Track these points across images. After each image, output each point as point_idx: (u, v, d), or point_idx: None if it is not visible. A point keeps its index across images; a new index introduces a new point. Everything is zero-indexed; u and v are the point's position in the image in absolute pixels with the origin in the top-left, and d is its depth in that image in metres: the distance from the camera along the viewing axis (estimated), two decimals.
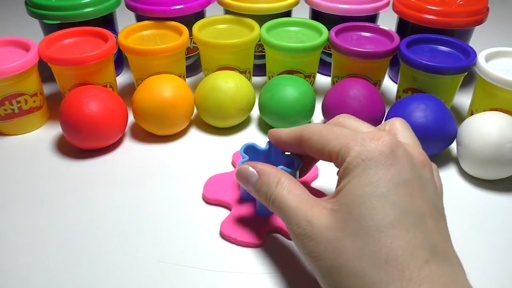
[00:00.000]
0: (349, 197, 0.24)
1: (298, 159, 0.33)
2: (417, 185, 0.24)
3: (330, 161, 0.27)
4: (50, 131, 0.47)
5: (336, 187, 0.26)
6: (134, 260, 0.32)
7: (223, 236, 0.34)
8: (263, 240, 0.33)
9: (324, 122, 0.48)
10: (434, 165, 0.28)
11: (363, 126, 0.29)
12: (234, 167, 0.41)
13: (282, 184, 0.28)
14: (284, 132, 0.31)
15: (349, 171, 0.25)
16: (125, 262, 0.32)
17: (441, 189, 0.28)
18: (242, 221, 0.35)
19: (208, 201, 0.37)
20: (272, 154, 0.35)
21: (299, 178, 0.36)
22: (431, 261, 0.22)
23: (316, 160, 0.35)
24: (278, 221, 0.34)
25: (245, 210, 0.35)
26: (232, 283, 0.31)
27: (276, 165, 0.33)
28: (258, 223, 0.34)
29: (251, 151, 0.35)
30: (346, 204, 0.24)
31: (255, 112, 0.49)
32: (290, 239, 0.34)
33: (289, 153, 0.34)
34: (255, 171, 0.30)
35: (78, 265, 0.32)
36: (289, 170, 0.32)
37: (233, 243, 0.34)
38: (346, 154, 0.25)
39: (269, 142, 0.35)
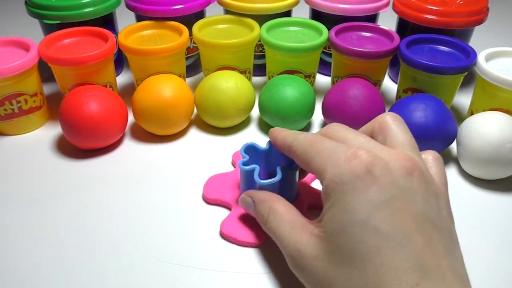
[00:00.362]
0: (331, 225, 0.24)
1: None
2: (400, 202, 0.23)
3: (316, 177, 0.27)
4: (50, 131, 0.47)
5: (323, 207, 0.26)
6: (134, 260, 0.32)
7: (223, 236, 0.34)
8: (263, 240, 0.33)
9: (324, 122, 0.48)
10: (434, 154, 0.28)
11: (350, 136, 0.27)
12: (234, 167, 0.41)
13: (274, 212, 0.29)
14: (280, 137, 0.31)
15: (328, 196, 0.24)
16: (125, 262, 0.32)
17: (445, 179, 0.27)
18: (242, 221, 0.35)
19: (208, 201, 0.37)
20: (273, 154, 0.35)
21: (299, 179, 0.36)
22: (421, 283, 0.21)
23: None
24: None
25: (244, 211, 0.35)
26: (232, 283, 0.31)
27: (276, 164, 0.33)
28: (258, 223, 0.34)
29: (251, 151, 0.35)
30: (330, 232, 0.24)
31: (255, 112, 0.49)
32: None
33: None
34: (251, 201, 0.31)
35: (78, 265, 0.32)
36: (288, 171, 0.32)
37: (233, 243, 0.34)
38: (323, 176, 0.25)
39: (269, 142, 0.35)
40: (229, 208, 0.36)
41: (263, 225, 0.30)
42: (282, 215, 0.28)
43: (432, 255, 0.22)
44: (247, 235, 0.33)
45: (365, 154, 0.24)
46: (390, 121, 0.28)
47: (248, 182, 0.34)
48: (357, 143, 0.26)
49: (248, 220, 0.34)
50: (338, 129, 0.29)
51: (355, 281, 0.22)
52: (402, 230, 0.22)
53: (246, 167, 0.33)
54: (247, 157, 0.34)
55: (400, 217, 0.22)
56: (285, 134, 0.31)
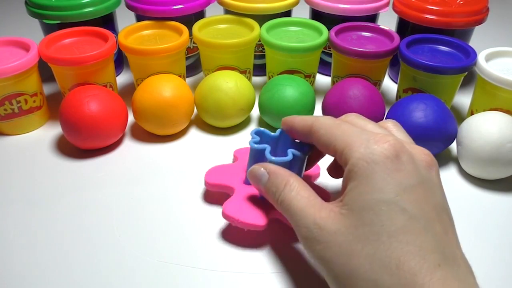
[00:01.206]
0: (357, 203, 0.24)
1: (308, 145, 0.33)
2: (423, 190, 0.24)
3: (335, 157, 0.27)
4: (50, 131, 0.47)
5: (342, 188, 0.26)
6: (134, 260, 0.32)
7: (225, 217, 0.33)
8: (266, 223, 0.33)
9: None
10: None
11: (370, 126, 0.28)
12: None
13: (291, 185, 0.28)
14: (297, 119, 0.31)
15: (354, 174, 0.25)
16: (124, 261, 0.32)
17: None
18: (245, 203, 0.34)
19: (209, 187, 0.36)
20: (281, 142, 0.35)
21: (306, 169, 0.35)
22: (442, 265, 0.22)
23: (323, 154, 0.35)
24: None
25: (247, 195, 0.35)
26: (232, 283, 0.31)
27: (284, 152, 0.32)
28: (260, 205, 0.34)
29: (261, 135, 0.34)
30: (355, 210, 0.24)
31: (255, 112, 0.49)
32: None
33: (298, 141, 0.34)
34: (265, 171, 0.30)
35: (78, 265, 0.32)
36: (299, 154, 0.32)
37: (235, 224, 0.33)
38: (349, 155, 0.25)
39: (281, 131, 0.34)
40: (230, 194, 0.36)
41: (275, 198, 0.29)
42: (299, 189, 0.28)
43: (450, 245, 0.23)
44: (250, 216, 0.33)
45: (393, 139, 0.25)
46: (392, 127, 0.29)
47: (258, 161, 0.33)
48: (379, 132, 0.27)
49: (251, 203, 0.34)
50: (357, 118, 0.29)
51: (379, 256, 0.22)
52: (426, 216, 0.23)
53: (257, 146, 0.32)
54: (258, 138, 0.33)
55: (424, 204, 0.24)
56: (303, 117, 0.31)
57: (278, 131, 0.35)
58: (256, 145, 0.33)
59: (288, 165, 0.31)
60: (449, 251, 0.23)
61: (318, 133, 0.28)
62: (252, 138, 0.34)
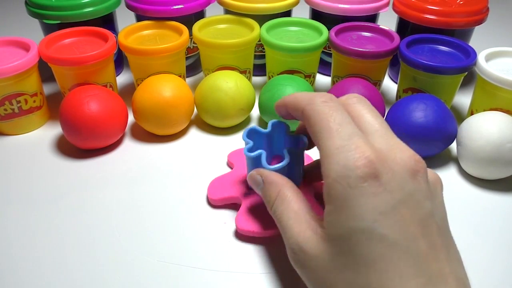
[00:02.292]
0: (334, 230, 0.23)
1: (303, 139, 0.32)
2: (406, 208, 0.22)
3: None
4: (50, 131, 0.47)
5: (324, 205, 0.25)
6: (134, 259, 0.32)
7: (240, 231, 0.33)
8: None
9: None
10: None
11: (367, 120, 0.26)
12: (231, 168, 0.41)
13: (282, 196, 0.28)
14: (290, 98, 0.29)
15: (331, 198, 0.24)
16: (124, 261, 0.32)
17: (441, 184, 0.27)
18: (255, 213, 0.34)
19: (214, 202, 0.37)
20: (275, 136, 0.35)
21: (309, 147, 0.34)
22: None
23: None
24: None
25: (254, 201, 0.35)
26: (232, 282, 0.31)
27: (280, 147, 0.32)
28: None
29: (253, 135, 0.34)
30: (334, 236, 0.23)
31: (255, 112, 0.49)
32: None
33: (292, 133, 0.33)
34: (261, 179, 0.30)
35: (78, 265, 0.32)
36: (294, 150, 0.31)
37: (251, 236, 0.33)
38: (327, 171, 0.24)
39: (272, 124, 0.34)
40: (236, 205, 0.36)
41: (269, 207, 0.29)
42: (290, 203, 0.27)
43: (436, 260, 0.22)
44: (264, 226, 0.33)
45: (372, 153, 0.23)
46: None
47: (256, 167, 0.33)
48: (372, 129, 0.26)
49: (261, 210, 0.34)
50: (358, 103, 0.27)
51: (358, 286, 0.22)
52: (407, 236, 0.22)
53: (252, 154, 0.32)
54: (251, 143, 0.33)
55: (406, 223, 0.22)
56: (298, 95, 0.28)
57: (269, 125, 0.34)
58: (251, 154, 0.32)
59: (286, 168, 0.31)
60: (435, 269, 0.22)
61: (309, 122, 0.26)
62: (245, 145, 0.33)
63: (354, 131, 0.24)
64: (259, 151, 0.32)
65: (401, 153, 0.24)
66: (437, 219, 0.24)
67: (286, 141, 0.34)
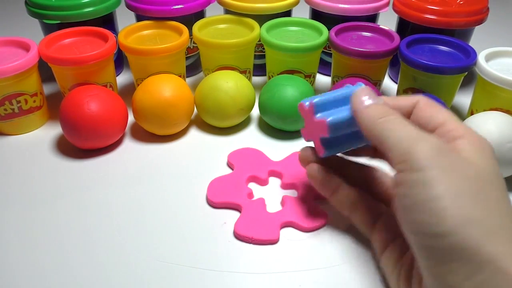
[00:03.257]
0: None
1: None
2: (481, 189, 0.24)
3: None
4: (50, 131, 0.47)
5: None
6: (133, 259, 0.32)
7: (238, 237, 0.34)
8: (278, 236, 0.33)
9: None
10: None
11: (447, 117, 0.27)
12: (231, 168, 0.41)
13: (396, 114, 0.27)
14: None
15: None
16: (124, 261, 0.32)
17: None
18: (254, 219, 0.34)
19: (214, 205, 0.37)
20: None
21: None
22: None
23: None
24: (290, 215, 0.35)
25: (255, 208, 0.35)
26: (232, 282, 0.31)
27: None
28: (270, 219, 0.34)
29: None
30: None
31: (255, 112, 0.49)
32: (304, 231, 0.34)
33: None
34: (380, 97, 0.29)
35: (78, 265, 0.32)
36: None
37: (249, 242, 0.33)
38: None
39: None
40: (236, 209, 0.36)
41: (374, 122, 0.27)
42: (405, 121, 0.26)
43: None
44: (263, 232, 0.33)
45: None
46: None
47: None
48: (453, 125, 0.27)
49: (261, 218, 0.34)
50: (430, 108, 0.28)
51: None
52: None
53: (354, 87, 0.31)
54: (362, 84, 0.32)
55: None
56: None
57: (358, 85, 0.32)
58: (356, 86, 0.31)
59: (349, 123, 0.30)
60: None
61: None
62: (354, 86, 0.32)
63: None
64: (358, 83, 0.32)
65: (468, 138, 0.26)
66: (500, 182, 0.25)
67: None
